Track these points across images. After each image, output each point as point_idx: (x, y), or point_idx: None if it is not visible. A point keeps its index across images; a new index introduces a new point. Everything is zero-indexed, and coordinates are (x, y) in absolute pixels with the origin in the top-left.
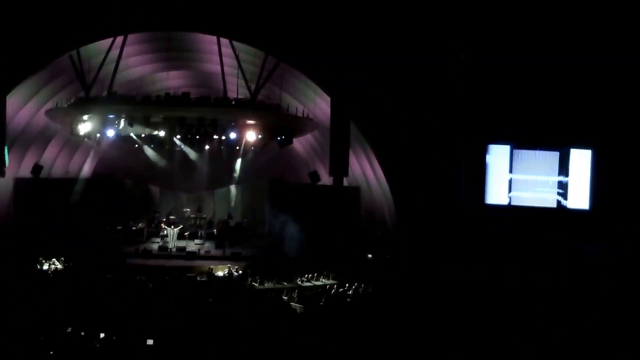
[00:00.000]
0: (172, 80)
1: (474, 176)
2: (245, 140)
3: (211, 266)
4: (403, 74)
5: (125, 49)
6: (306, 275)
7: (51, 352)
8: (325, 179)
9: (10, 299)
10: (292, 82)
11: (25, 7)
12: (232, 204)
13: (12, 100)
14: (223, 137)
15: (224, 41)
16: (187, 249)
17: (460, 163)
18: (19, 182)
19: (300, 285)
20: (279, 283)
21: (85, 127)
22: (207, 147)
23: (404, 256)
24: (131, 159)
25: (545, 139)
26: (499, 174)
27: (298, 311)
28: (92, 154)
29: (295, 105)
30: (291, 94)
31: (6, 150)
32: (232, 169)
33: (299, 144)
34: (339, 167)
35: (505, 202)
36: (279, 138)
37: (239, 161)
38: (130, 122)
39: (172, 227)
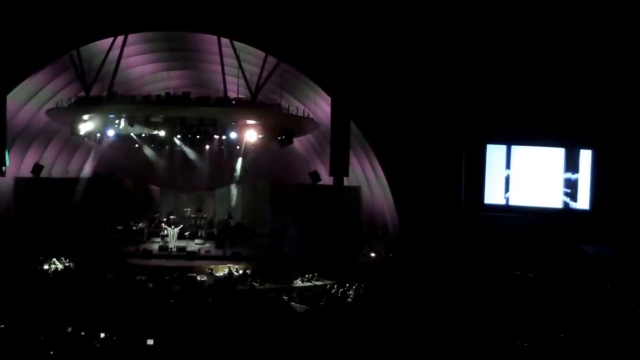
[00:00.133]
0: (172, 80)
1: (474, 176)
2: (246, 140)
3: (211, 266)
4: (403, 74)
5: (126, 49)
6: (306, 275)
7: (51, 352)
8: (326, 179)
9: (10, 299)
10: (293, 82)
11: (26, 7)
12: (233, 204)
13: (13, 100)
14: (223, 137)
15: (225, 41)
16: (187, 249)
17: (460, 163)
18: (19, 182)
19: (300, 286)
20: (279, 283)
21: (85, 126)
22: (207, 147)
23: (404, 256)
24: (131, 159)
25: (545, 139)
26: (499, 174)
27: (298, 311)
28: (92, 153)
29: (296, 105)
30: (291, 94)
31: (6, 150)
32: (233, 169)
33: (299, 144)
34: (340, 167)
35: (505, 202)
36: (279, 138)
37: (239, 161)
38: (131, 122)
39: (173, 227)
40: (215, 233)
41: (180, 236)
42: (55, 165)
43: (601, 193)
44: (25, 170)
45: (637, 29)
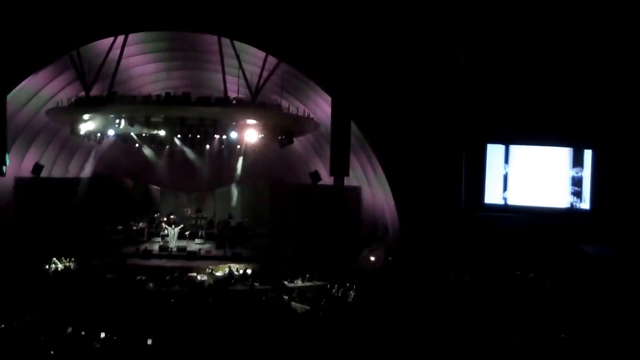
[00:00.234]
0: (173, 80)
1: (474, 176)
2: (246, 140)
3: (211, 266)
4: (403, 74)
5: (126, 49)
6: (307, 275)
7: (51, 352)
8: (326, 178)
9: (11, 299)
10: (293, 82)
11: (26, 7)
12: (233, 204)
13: (13, 100)
14: (224, 137)
15: (225, 41)
16: (187, 249)
17: (460, 163)
18: (20, 182)
19: (300, 286)
20: (279, 283)
21: (85, 126)
22: (207, 147)
23: (405, 256)
24: (131, 159)
25: (545, 139)
26: (499, 173)
27: (298, 311)
28: (92, 153)
29: (296, 105)
30: (292, 94)
31: (6, 150)
32: (233, 169)
33: (299, 144)
34: (340, 167)
35: (508, 202)
36: (279, 138)
37: (239, 161)
38: (131, 122)
39: (173, 226)
40: (216, 233)
41: (181, 236)
42: (55, 165)
43: (601, 193)
44: (26, 170)
45: (637, 29)
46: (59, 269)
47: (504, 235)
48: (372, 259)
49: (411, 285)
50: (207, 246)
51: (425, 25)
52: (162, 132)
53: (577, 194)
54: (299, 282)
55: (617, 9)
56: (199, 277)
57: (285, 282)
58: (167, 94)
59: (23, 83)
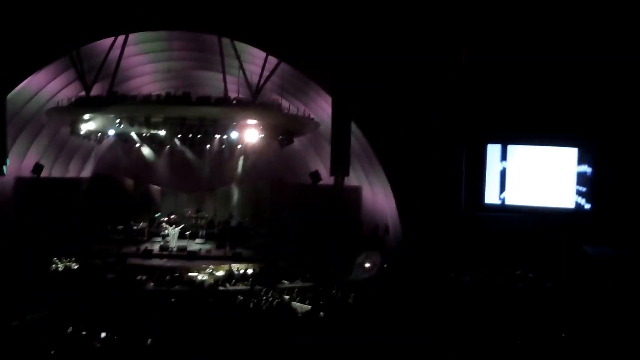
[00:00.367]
0: (173, 80)
1: (474, 176)
2: (246, 140)
3: (211, 266)
4: (403, 74)
5: (126, 49)
6: (307, 275)
7: (52, 352)
8: (326, 178)
9: (11, 298)
10: (293, 82)
11: (26, 7)
12: (233, 204)
13: (13, 100)
14: (224, 137)
15: (225, 41)
16: (188, 249)
17: (460, 163)
18: (20, 182)
19: (300, 286)
20: (280, 283)
21: (85, 126)
22: (207, 147)
23: (405, 256)
24: (131, 159)
25: (545, 139)
26: (498, 173)
27: (298, 311)
28: (92, 153)
29: (296, 105)
30: (292, 94)
31: (6, 150)
32: (233, 169)
33: (300, 143)
34: (340, 167)
35: (505, 202)
36: (279, 138)
37: (239, 161)
38: (131, 122)
39: (173, 226)
40: (216, 233)
41: (181, 236)
42: (55, 165)
43: (601, 193)
44: (26, 170)
45: (637, 29)
46: (60, 269)
47: (504, 235)
48: (367, 265)
49: (411, 285)
50: (207, 246)
51: (426, 26)
52: (162, 132)
53: (583, 194)
54: (299, 282)
55: (617, 9)
56: (199, 277)
57: (285, 282)
58: (167, 94)
59: (23, 83)
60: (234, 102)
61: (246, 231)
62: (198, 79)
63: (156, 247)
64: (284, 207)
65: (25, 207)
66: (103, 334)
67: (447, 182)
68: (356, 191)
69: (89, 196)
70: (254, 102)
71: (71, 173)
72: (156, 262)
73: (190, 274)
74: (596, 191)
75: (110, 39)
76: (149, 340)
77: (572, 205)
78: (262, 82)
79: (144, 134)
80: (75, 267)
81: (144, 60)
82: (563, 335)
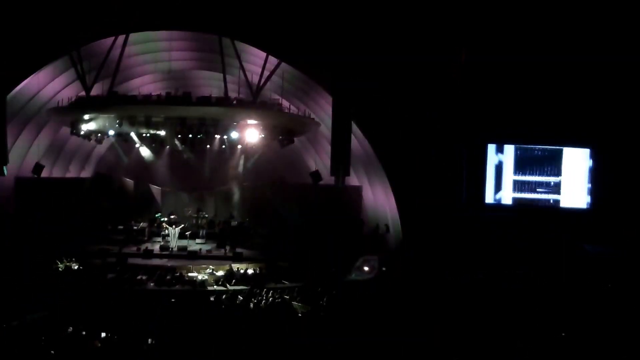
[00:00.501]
0: (173, 80)
1: (474, 176)
2: (247, 140)
3: (212, 266)
4: (403, 74)
5: (126, 49)
6: (307, 275)
7: (52, 352)
8: (327, 178)
9: (11, 298)
10: (293, 81)
11: (26, 7)
12: (234, 204)
13: (13, 100)
14: (224, 137)
15: (226, 41)
16: (188, 249)
17: (460, 163)
18: (20, 182)
19: (300, 285)
20: (280, 283)
21: (86, 126)
22: (207, 147)
23: (405, 256)
24: (131, 159)
25: (545, 138)
26: (499, 173)
27: (298, 311)
28: (92, 153)
29: (297, 105)
30: (292, 94)
31: (6, 150)
32: (233, 169)
33: (300, 143)
34: (340, 166)
35: (506, 201)
36: (280, 138)
37: (240, 161)
38: (131, 122)
39: (174, 226)
40: (216, 233)
41: (182, 236)
42: (55, 165)
43: (601, 192)
44: (26, 170)
45: (637, 29)
46: (60, 269)
47: (504, 234)
48: (366, 269)
49: (411, 284)
50: (207, 246)
51: (426, 26)
52: (162, 132)
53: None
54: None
55: (617, 9)
56: (199, 277)
57: (286, 282)
58: (167, 94)
59: (23, 83)
60: (235, 102)
61: (246, 231)
62: (198, 79)
63: (156, 247)
64: (284, 207)
65: (25, 207)
66: (103, 334)
67: (447, 182)
68: (356, 191)
69: (89, 196)
70: (254, 102)
71: (71, 173)
72: (156, 262)
73: (190, 273)
74: (596, 191)
75: (110, 39)
76: (149, 340)
77: (573, 205)
78: (262, 82)
79: (144, 134)
80: (76, 267)
81: (144, 60)
82: (563, 334)
